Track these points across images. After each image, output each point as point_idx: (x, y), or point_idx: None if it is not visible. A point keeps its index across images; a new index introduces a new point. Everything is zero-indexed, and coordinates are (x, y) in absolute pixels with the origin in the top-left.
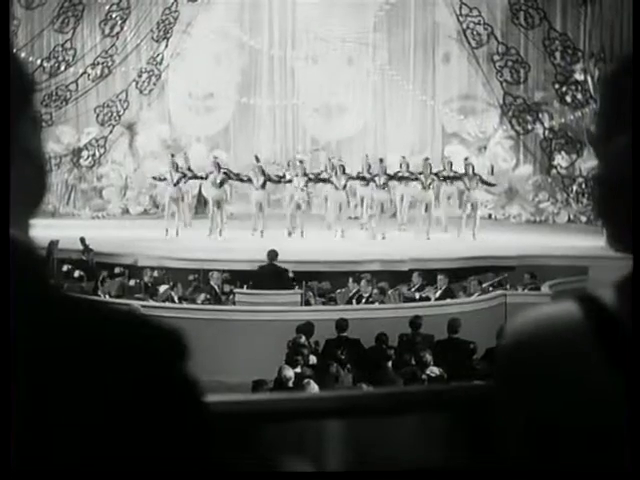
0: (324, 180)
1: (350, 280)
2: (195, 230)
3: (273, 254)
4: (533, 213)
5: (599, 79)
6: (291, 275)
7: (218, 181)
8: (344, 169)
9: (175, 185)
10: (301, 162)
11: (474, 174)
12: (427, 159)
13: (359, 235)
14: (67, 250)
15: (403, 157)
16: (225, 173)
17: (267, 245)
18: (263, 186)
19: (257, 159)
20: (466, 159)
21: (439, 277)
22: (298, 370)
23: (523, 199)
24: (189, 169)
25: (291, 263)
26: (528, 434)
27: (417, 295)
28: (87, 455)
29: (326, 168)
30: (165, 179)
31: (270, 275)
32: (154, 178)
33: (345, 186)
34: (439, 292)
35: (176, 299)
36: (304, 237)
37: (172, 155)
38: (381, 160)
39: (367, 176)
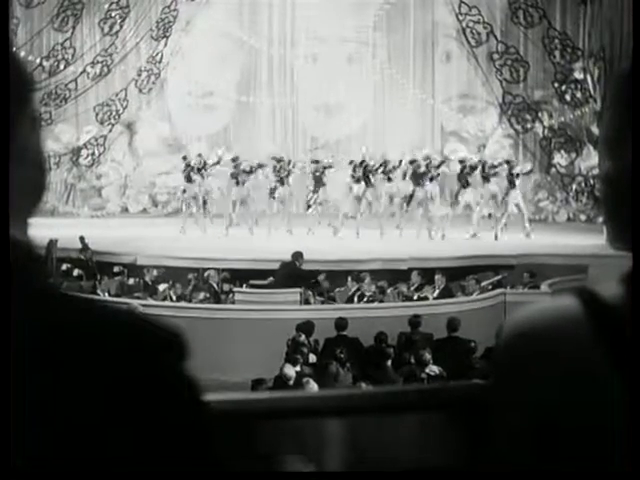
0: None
1: (349, 279)
2: (195, 229)
3: (297, 255)
4: (533, 212)
5: (606, 78)
6: (319, 278)
7: (240, 180)
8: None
9: (189, 181)
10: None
11: (517, 174)
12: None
13: (361, 233)
14: (66, 249)
15: (424, 158)
16: (235, 172)
17: (268, 243)
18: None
19: (279, 160)
20: (508, 162)
21: (437, 277)
22: (298, 369)
23: (523, 198)
24: (204, 167)
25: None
26: (527, 432)
27: (415, 295)
28: (87, 454)
29: (356, 168)
30: (192, 180)
31: (287, 274)
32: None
33: (368, 183)
34: (437, 291)
35: (175, 298)
36: (307, 235)
37: (185, 159)
38: (412, 162)
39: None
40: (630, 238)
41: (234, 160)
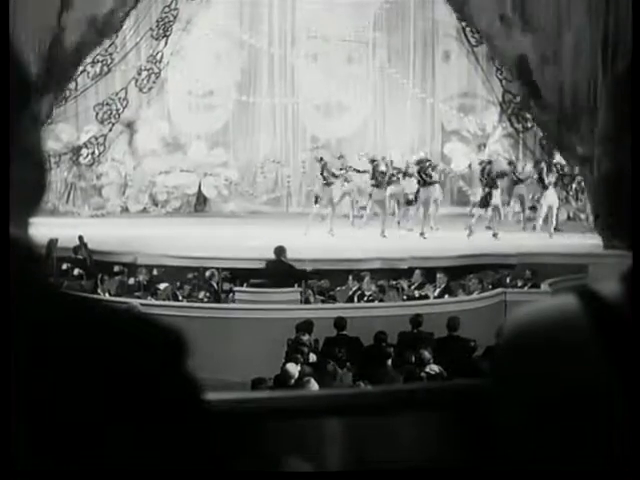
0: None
1: (350, 278)
2: (196, 228)
3: (280, 250)
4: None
5: (605, 77)
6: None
7: (378, 181)
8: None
9: (327, 185)
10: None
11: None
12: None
13: (360, 233)
14: (66, 248)
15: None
16: (379, 173)
17: (271, 243)
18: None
19: (419, 162)
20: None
21: (438, 275)
22: (299, 368)
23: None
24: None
25: (291, 262)
26: (528, 431)
27: (417, 293)
28: (87, 454)
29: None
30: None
31: (278, 272)
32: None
33: (389, 183)
34: (438, 290)
35: (177, 297)
36: (309, 235)
37: (321, 159)
38: (435, 163)
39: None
40: (630, 237)
41: (372, 162)
